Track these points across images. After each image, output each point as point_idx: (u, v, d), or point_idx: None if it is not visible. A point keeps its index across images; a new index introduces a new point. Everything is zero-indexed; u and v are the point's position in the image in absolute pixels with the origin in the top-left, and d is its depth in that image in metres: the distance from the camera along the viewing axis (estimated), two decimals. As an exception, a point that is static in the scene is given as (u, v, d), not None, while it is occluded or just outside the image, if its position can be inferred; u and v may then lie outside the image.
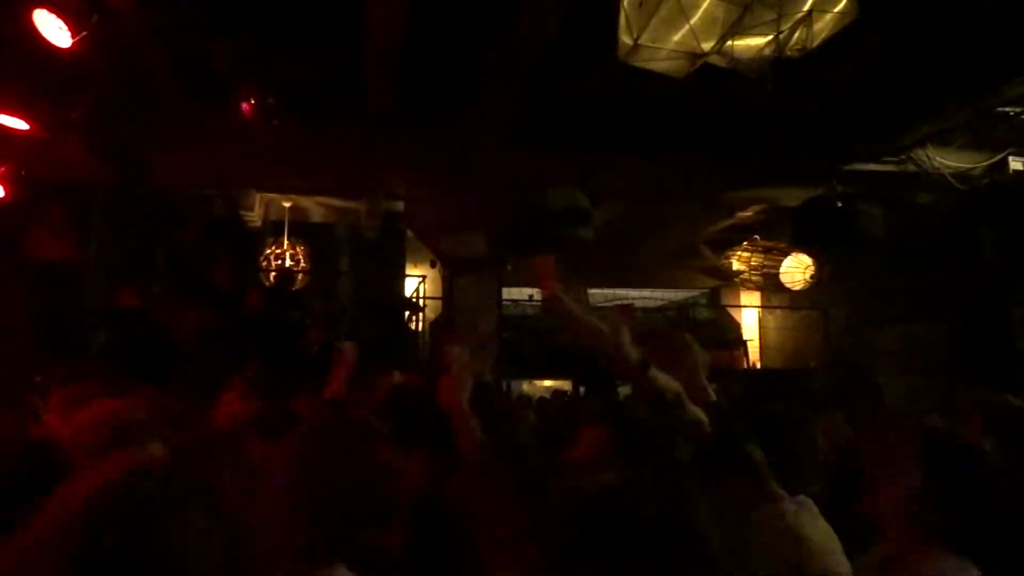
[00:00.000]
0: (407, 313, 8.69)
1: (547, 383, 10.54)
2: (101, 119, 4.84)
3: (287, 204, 8.30)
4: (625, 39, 4.19)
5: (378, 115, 5.67)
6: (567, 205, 5.96)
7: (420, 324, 8.97)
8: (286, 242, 8.48)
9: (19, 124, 4.67)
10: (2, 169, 5.35)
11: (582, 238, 6.00)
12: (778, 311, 10.27)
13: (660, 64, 4.42)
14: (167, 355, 6.22)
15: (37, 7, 3.69)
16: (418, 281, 9.49)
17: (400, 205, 7.48)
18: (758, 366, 10.03)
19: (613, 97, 5.38)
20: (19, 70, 4.45)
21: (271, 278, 8.35)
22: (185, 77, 5.24)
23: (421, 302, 9.20)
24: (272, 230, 8.62)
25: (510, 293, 9.10)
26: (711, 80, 4.63)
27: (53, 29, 3.77)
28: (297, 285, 8.31)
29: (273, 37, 4.80)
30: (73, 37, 3.81)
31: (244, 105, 4.89)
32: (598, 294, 9.92)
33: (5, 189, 5.36)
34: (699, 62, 4.39)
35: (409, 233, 8.22)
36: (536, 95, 5.35)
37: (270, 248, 8.49)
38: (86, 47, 3.88)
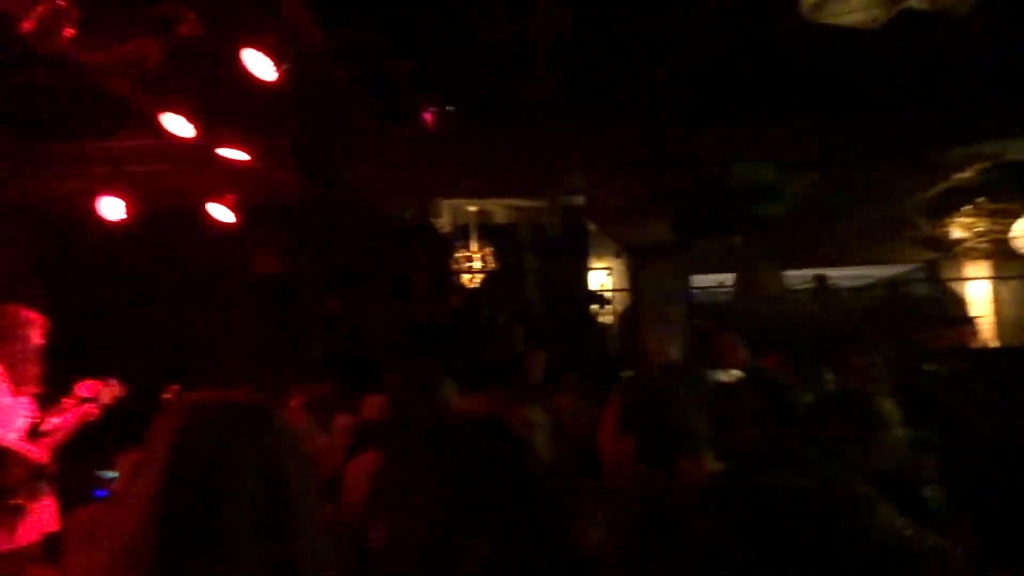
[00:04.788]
0: (594, 307, 8.68)
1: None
2: (303, 144, 5.32)
3: (472, 208, 8.61)
4: (808, -6, 3.87)
5: (551, 110, 5.71)
6: (753, 181, 5.64)
7: (609, 317, 8.93)
8: (474, 245, 8.81)
9: (241, 156, 5.24)
10: (231, 197, 6.06)
11: (773, 215, 5.66)
12: (1015, 282, 9.03)
13: (851, 16, 4.03)
14: (373, 360, 6.71)
15: (245, 47, 4.09)
16: (604, 274, 9.44)
17: (581, 199, 7.50)
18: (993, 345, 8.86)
19: (800, 59, 5.01)
20: (237, 107, 5.01)
21: (465, 281, 8.71)
22: (372, 96, 5.61)
23: (608, 294, 9.14)
24: (460, 234, 8.98)
25: (700, 281, 8.78)
26: (911, 27, 4.16)
27: (260, 66, 4.17)
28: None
29: (446, 47, 4.99)
30: (277, 71, 4.20)
31: (425, 116, 5.13)
32: (795, 276, 9.28)
33: (235, 215, 6.06)
34: (896, 8, 3.95)
35: (593, 226, 8.22)
36: (714, 66, 5.10)
37: (460, 251, 8.86)
38: (288, 79, 4.27)
